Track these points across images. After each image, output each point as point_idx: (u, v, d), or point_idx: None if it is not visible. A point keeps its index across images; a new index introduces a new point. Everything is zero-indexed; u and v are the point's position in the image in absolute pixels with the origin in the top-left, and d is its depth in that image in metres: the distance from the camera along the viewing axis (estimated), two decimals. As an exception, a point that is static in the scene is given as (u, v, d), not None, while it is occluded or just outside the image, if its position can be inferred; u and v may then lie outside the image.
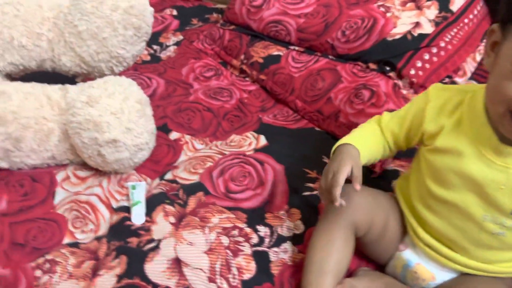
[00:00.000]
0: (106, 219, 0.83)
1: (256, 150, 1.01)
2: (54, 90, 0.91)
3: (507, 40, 0.54)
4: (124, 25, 0.91)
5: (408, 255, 0.71)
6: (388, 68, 1.08)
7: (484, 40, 1.17)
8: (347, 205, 0.66)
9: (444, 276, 0.69)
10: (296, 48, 1.22)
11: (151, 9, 0.96)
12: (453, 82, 1.11)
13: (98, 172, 0.91)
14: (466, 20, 1.13)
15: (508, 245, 0.63)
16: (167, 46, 1.39)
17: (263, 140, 1.04)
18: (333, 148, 0.73)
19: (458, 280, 0.67)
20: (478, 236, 0.63)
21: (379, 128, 0.77)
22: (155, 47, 1.38)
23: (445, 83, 1.08)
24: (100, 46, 0.92)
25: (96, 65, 0.95)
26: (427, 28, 1.09)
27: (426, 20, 1.10)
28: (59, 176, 0.89)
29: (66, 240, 0.78)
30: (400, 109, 0.77)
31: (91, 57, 0.93)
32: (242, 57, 1.27)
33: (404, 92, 1.05)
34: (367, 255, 0.77)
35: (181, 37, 1.43)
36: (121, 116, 0.82)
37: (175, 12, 1.56)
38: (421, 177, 0.69)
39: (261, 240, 0.80)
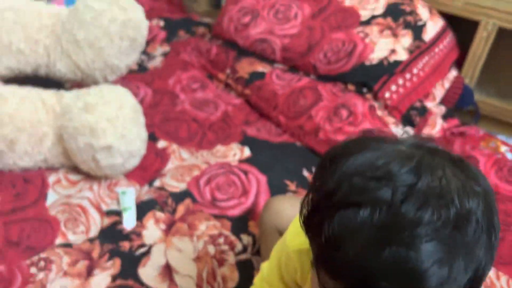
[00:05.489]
0: (96, 221, 0.86)
1: (241, 161, 1.06)
2: (49, 95, 0.94)
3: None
4: (121, 36, 0.96)
5: None
6: (365, 90, 1.17)
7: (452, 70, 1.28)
8: (269, 212, 0.73)
9: None
10: (280, 66, 1.29)
11: (147, 22, 1.01)
12: (423, 106, 1.20)
13: (89, 176, 0.94)
14: (436, 50, 1.24)
15: None
16: (154, 56, 1.44)
17: (247, 152, 1.10)
18: None
19: None
20: None
21: None
22: (142, 57, 1.41)
23: (416, 107, 1.18)
24: (96, 55, 0.96)
25: (90, 73, 0.98)
26: (402, 55, 1.18)
27: (401, 48, 1.19)
28: (51, 178, 0.92)
29: (59, 240, 0.80)
30: (270, 269, 0.63)
31: (87, 65, 0.97)
32: (228, 71, 1.33)
33: (379, 113, 1.14)
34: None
35: (168, 49, 1.47)
36: (116, 123, 0.86)
37: (162, 23, 1.60)
38: None
39: (244, 248, 0.86)
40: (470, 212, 0.36)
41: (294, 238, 0.57)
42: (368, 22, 1.21)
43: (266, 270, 0.64)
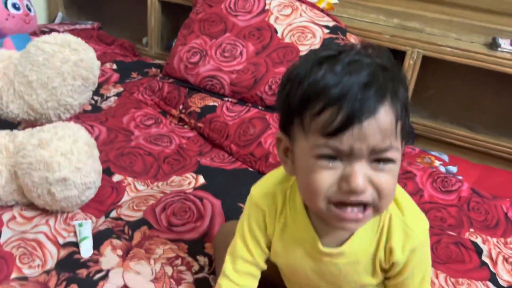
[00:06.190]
0: (53, 254, 0.87)
1: (195, 189, 1.11)
2: (2, 135, 0.96)
3: (296, 142, 0.57)
4: (73, 76, 1.01)
5: None
6: (308, 116, 1.26)
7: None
8: (222, 235, 0.80)
9: None
10: (230, 99, 1.37)
11: (98, 63, 1.07)
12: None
13: (45, 211, 0.95)
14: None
15: None
16: (108, 97, 1.48)
17: (201, 180, 1.15)
18: None
19: None
20: None
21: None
22: (96, 97, 1.46)
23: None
24: (50, 94, 1.00)
25: (44, 112, 1.02)
26: (339, 83, 1.29)
27: (338, 77, 1.30)
28: (5, 216, 0.92)
29: (14, 275, 0.81)
30: (242, 230, 0.71)
31: (40, 105, 1.00)
32: (181, 107, 1.40)
33: (323, 136, 1.23)
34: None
35: (121, 89, 1.53)
36: (71, 156, 0.89)
37: (115, 66, 1.66)
38: None
39: (201, 268, 0.89)
40: (388, 59, 0.54)
41: (257, 188, 0.70)
42: (306, 55, 1.32)
43: (234, 247, 0.70)
